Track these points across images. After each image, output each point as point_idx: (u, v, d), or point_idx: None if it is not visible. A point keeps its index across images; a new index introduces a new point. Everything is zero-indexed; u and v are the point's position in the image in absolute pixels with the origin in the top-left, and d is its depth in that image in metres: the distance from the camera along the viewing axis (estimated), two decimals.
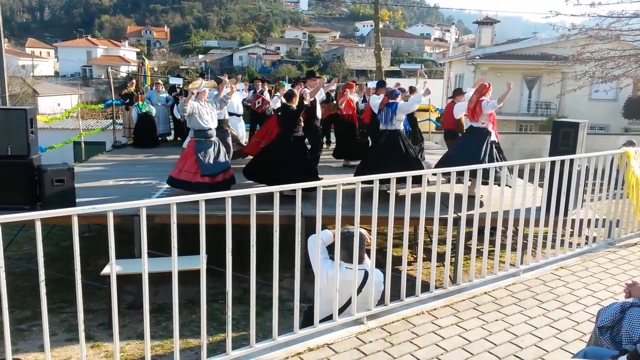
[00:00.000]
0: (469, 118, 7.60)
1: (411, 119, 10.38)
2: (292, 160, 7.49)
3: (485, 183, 5.44)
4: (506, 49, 28.11)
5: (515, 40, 32.87)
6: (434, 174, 4.37)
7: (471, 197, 4.77)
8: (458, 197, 4.35)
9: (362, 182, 3.71)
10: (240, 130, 10.86)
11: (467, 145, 7.44)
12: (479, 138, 7.37)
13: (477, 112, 7.35)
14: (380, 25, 25.29)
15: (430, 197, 4.08)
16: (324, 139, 12.75)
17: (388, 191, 3.95)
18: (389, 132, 7.58)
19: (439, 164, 7.55)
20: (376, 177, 3.79)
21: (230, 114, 10.33)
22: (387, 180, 3.91)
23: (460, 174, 4.71)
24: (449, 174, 4.27)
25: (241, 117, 11.06)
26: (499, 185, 5.07)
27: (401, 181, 4.04)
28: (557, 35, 16.56)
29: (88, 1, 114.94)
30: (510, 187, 4.87)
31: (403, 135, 7.73)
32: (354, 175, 7.63)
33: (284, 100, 7.85)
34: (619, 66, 14.90)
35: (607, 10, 14.61)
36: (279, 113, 8.22)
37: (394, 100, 7.56)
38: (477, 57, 26.75)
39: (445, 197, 4.28)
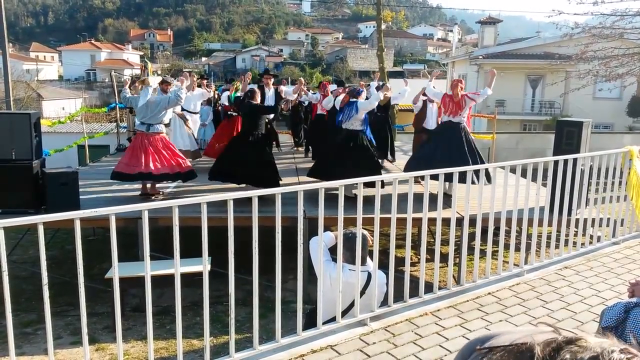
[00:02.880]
0: (449, 113, 7.55)
1: (385, 119, 10.40)
2: (258, 156, 7.60)
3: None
4: (509, 49, 28.03)
5: (518, 39, 32.77)
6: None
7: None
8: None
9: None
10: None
11: (446, 145, 7.47)
12: (458, 135, 7.46)
13: (460, 107, 7.40)
14: (383, 26, 25.26)
15: (433, 197, 4.07)
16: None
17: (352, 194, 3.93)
18: (349, 131, 7.57)
19: (413, 165, 7.56)
20: (377, 178, 3.78)
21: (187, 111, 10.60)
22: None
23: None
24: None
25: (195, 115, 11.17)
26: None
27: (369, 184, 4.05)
28: (560, 34, 16.49)
29: (92, 5, 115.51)
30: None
31: (365, 136, 7.74)
32: (309, 174, 7.80)
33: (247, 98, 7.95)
34: (623, 65, 14.84)
35: (610, 9, 14.52)
36: (241, 111, 8.25)
37: (355, 99, 7.56)
38: (480, 57, 26.70)
39: (447, 197, 4.27)
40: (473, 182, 4.62)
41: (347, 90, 7.74)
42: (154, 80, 8.33)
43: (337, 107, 8.01)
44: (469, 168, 4.54)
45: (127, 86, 7.95)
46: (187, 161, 7.99)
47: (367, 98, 7.80)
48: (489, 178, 5.72)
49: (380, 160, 10.51)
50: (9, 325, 2.66)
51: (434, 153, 7.37)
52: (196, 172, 8.12)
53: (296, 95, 10.90)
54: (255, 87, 8.80)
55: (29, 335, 6.41)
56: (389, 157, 10.61)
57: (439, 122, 7.84)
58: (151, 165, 7.48)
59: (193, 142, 10.83)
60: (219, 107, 13.17)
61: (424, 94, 9.01)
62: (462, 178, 4.53)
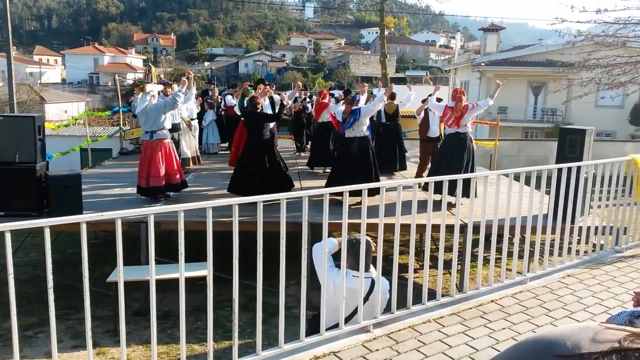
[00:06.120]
0: (452, 125, 7.56)
1: (394, 128, 10.40)
2: (266, 165, 7.69)
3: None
4: (512, 56, 28.07)
5: (521, 46, 32.81)
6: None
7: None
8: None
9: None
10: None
11: (454, 156, 7.52)
12: (463, 146, 7.52)
13: (461, 118, 7.48)
14: (386, 32, 25.38)
15: (437, 203, 4.07)
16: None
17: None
18: (359, 139, 7.57)
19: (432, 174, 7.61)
20: (381, 184, 3.78)
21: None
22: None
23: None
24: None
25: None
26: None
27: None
28: (563, 41, 16.52)
29: (95, 9, 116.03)
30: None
31: (370, 142, 7.78)
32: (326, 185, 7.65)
33: (250, 108, 8.04)
34: (626, 73, 14.84)
35: (613, 17, 14.53)
36: (246, 119, 8.33)
37: (356, 107, 7.59)
38: (483, 64, 26.73)
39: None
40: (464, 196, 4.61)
41: (345, 99, 7.74)
42: (153, 87, 8.33)
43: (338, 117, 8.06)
44: (461, 176, 4.55)
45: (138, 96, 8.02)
46: (182, 172, 8.10)
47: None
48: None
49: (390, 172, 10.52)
50: (13, 328, 2.66)
51: (439, 167, 7.43)
52: (196, 177, 8.18)
53: (292, 100, 10.94)
54: (252, 93, 8.87)
55: (29, 338, 6.40)
56: (398, 167, 10.58)
57: (444, 132, 7.84)
58: (163, 179, 7.65)
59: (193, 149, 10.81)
60: (222, 112, 13.23)
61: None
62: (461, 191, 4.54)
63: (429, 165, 9.42)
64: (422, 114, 9.39)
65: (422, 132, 9.55)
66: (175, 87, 8.91)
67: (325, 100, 10.60)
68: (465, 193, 4.36)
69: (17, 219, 3.79)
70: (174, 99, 7.67)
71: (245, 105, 8.51)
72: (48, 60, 76.07)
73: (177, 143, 8.68)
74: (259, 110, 7.91)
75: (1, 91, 29.88)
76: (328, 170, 10.59)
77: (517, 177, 4.74)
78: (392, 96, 10.43)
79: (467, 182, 4.53)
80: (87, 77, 70.63)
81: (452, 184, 4.29)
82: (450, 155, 7.50)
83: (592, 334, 0.65)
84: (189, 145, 10.48)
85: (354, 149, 7.52)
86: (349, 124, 7.53)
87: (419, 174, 9.43)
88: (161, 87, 8.84)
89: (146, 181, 7.62)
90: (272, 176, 7.70)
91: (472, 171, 7.43)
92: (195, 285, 5.48)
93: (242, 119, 8.69)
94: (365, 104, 8.31)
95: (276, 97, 9.97)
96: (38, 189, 6.91)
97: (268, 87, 10.46)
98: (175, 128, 8.74)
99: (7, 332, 2.80)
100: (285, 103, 8.91)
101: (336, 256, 3.74)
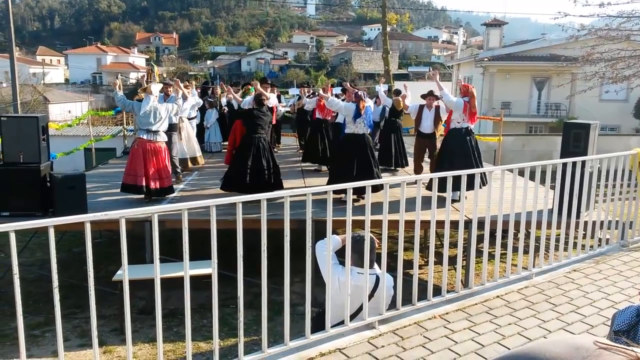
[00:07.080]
0: (469, 121, 7.54)
1: (396, 126, 10.39)
2: (263, 163, 7.68)
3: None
4: (515, 51, 27.97)
5: (524, 41, 32.69)
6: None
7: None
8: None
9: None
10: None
11: (468, 151, 7.54)
12: (473, 140, 7.60)
13: (477, 113, 7.54)
14: (388, 29, 25.30)
15: (441, 199, 4.06)
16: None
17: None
18: (361, 135, 7.55)
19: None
20: (385, 181, 3.77)
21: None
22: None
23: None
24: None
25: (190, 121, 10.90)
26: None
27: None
28: (566, 36, 16.43)
29: (97, 9, 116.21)
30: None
31: (370, 139, 7.78)
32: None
33: (255, 105, 8.04)
34: (630, 66, 14.74)
35: (616, 10, 14.43)
36: (245, 117, 8.33)
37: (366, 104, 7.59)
38: (486, 59, 26.63)
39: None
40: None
41: (356, 95, 7.61)
42: (156, 88, 8.34)
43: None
44: (473, 171, 4.53)
45: (117, 87, 8.03)
46: (170, 178, 8.09)
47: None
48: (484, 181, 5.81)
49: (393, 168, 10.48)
50: (19, 328, 2.67)
51: (449, 162, 7.40)
52: (199, 175, 8.20)
53: (297, 98, 11.00)
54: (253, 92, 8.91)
55: (36, 337, 6.44)
56: (398, 163, 10.54)
57: (451, 127, 7.76)
58: (151, 181, 7.58)
59: (185, 151, 10.74)
60: (225, 110, 13.24)
61: (428, 99, 9.03)
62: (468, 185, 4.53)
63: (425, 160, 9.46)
64: (415, 109, 9.34)
65: (416, 127, 9.57)
66: (180, 85, 8.97)
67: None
68: (471, 187, 4.35)
69: (21, 219, 3.80)
70: (176, 105, 8.02)
71: (252, 102, 8.52)
72: (51, 60, 76.31)
73: (171, 143, 8.72)
74: (264, 108, 7.92)
75: (5, 92, 29.99)
76: (325, 168, 10.62)
77: (521, 172, 4.72)
78: (397, 92, 10.38)
79: (472, 176, 4.52)
80: (90, 77, 70.83)
81: (457, 180, 4.27)
82: (462, 151, 7.47)
83: (590, 358, 0.62)
84: (189, 145, 10.46)
85: (355, 145, 7.50)
86: (367, 121, 7.49)
87: (417, 171, 9.38)
88: (161, 86, 8.86)
89: (159, 182, 7.64)
90: (263, 176, 7.67)
91: (481, 163, 7.51)
92: (201, 284, 5.48)
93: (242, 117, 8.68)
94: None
95: (274, 99, 10.05)
96: (42, 189, 6.93)
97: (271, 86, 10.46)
98: (172, 128, 8.75)
99: (14, 331, 2.82)
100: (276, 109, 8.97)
101: (339, 253, 3.73)
